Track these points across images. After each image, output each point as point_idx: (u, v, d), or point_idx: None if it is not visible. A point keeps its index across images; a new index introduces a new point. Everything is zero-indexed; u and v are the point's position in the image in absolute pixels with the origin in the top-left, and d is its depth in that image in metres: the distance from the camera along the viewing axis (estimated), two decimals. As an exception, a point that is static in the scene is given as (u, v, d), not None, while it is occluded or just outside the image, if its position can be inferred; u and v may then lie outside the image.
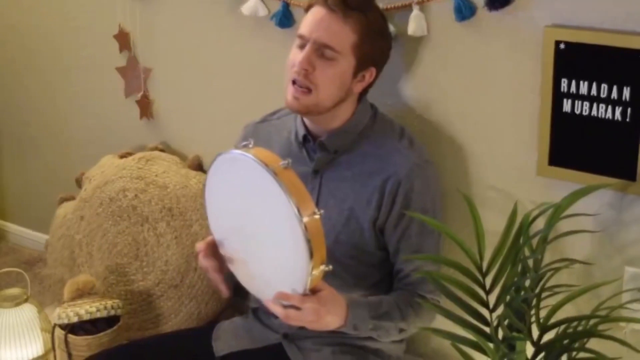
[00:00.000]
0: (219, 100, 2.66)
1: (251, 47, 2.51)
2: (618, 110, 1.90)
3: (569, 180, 2.00)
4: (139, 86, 2.80)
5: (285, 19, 2.34)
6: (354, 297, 1.93)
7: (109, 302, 2.48)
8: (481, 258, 1.81)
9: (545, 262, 1.86)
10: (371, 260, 2.05)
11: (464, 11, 2.05)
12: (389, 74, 2.16)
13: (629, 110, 1.89)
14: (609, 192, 1.97)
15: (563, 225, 1.93)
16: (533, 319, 1.82)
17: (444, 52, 2.14)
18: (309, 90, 1.93)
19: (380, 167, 1.99)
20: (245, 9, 2.41)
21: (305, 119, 2.04)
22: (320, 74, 1.92)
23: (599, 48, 1.88)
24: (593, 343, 1.81)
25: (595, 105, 1.92)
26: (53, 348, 2.49)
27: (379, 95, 2.14)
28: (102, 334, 2.42)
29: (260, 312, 2.16)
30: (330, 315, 1.81)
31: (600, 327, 1.79)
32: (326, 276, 1.73)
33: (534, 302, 1.81)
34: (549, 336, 1.82)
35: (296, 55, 1.94)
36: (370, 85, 2.03)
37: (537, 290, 1.80)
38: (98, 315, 2.44)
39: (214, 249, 1.92)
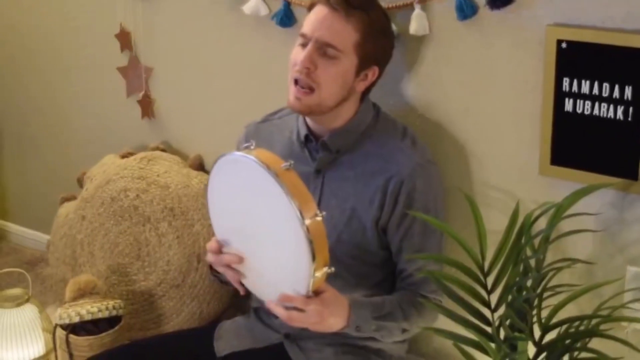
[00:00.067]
0: (220, 99, 2.66)
1: (252, 46, 2.50)
2: (620, 110, 1.90)
3: (570, 180, 2.00)
4: (140, 86, 2.80)
5: (287, 18, 2.33)
6: (357, 297, 1.93)
7: (111, 302, 2.47)
8: (483, 258, 1.81)
9: (547, 261, 1.86)
10: (373, 260, 2.05)
11: (466, 10, 2.05)
12: (391, 73, 2.16)
13: (630, 109, 1.88)
14: (611, 192, 1.97)
15: (565, 225, 1.93)
16: (535, 318, 1.82)
17: (445, 51, 2.14)
18: (311, 90, 1.93)
19: (383, 167, 1.98)
20: (247, 8, 2.41)
21: (307, 119, 2.04)
22: (322, 72, 1.91)
23: (601, 47, 1.88)
24: (595, 343, 1.81)
25: (597, 104, 1.92)
26: (54, 348, 2.49)
27: (380, 94, 2.14)
28: (103, 334, 2.42)
29: (261, 312, 2.16)
30: (333, 316, 1.81)
31: (602, 327, 1.78)
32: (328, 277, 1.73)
33: (536, 301, 1.81)
34: (550, 336, 1.82)
35: (298, 54, 1.94)
36: (372, 84, 2.02)
37: (538, 290, 1.80)
38: (100, 315, 2.43)
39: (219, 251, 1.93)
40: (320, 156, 2.03)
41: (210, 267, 1.97)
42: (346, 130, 2.02)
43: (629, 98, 1.88)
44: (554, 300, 1.83)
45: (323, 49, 1.91)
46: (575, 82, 1.94)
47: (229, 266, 1.89)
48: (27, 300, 2.56)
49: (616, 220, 1.99)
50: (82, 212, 2.75)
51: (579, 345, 1.79)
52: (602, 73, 1.90)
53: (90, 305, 2.44)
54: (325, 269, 1.70)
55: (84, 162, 2.95)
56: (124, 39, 2.78)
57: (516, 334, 1.76)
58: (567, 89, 1.95)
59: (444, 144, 2.20)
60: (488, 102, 2.11)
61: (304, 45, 1.94)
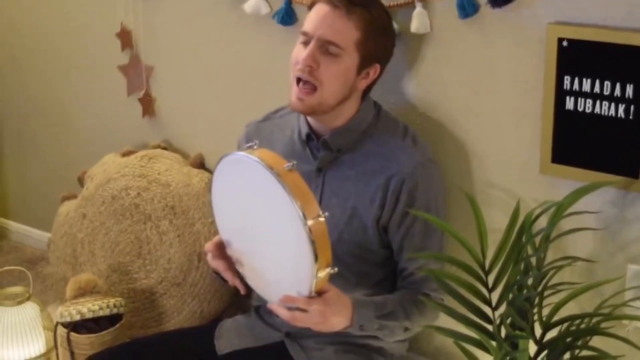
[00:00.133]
0: (221, 98, 2.66)
1: (253, 44, 2.50)
2: (621, 108, 1.90)
3: (571, 178, 2.00)
4: (141, 84, 2.80)
5: (288, 16, 2.33)
6: (359, 297, 1.93)
7: (112, 300, 2.47)
8: (484, 256, 1.81)
9: (548, 260, 1.86)
10: (374, 259, 2.05)
11: (467, 8, 2.05)
12: (392, 72, 2.16)
13: (631, 107, 1.88)
14: (612, 190, 1.97)
15: (566, 223, 1.93)
16: (536, 317, 1.81)
17: (446, 49, 2.14)
18: (313, 89, 1.93)
19: (384, 166, 1.98)
20: (248, 6, 2.41)
21: (308, 117, 2.04)
22: (324, 70, 1.91)
23: (602, 45, 1.88)
24: (596, 341, 1.81)
25: (598, 102, 1.92)
26: (55, 346, 2.49)
27: (381, 92, 2.14)
28: (104, 332, 2.42)
29: (262, 311, 2.16)
30: (336, 316, 1.81)
31: (603, 325, 1.78)
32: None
33: (537, 300, 1.81)
34: (551, 334, 1.82)
35: (300, 53, 1.94)
36: (374, 82, 2.02)
37: (539, 289, 1.80)
38: (100, 313, 2.43)
39: (222, 249, 1.93)
40: (322, 155, 2.03)
41: (212, 266, 1.97)
42: (347, 129, 2.02)
43: (630, 96, 1.88)
44: (554, 299, 1.83)
45: (325, 47, 1.91)
46: (576, 80, 1.94)
47: (228, 268, 1.90)
48: (28, 299, 2.56)
49: (617, 219, 1.99)
50: (82, 210, 2.75)
51: (579, 343, 1.79)
52: (603, 71, 1.90)
53: (91, 303, 2.44)
54: (328, 270, 1.70)
55: (84, 160, 2.95)
56: (125, 37, 2.78)
57: (517, 332, 1.76)
58: (568, 87, 1.95)
59: (444, 142, 2.20)
60: (489, 100, 2.11)
61: (305, 44, 1.94)
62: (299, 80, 1.94)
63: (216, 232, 1.95)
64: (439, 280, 1.84)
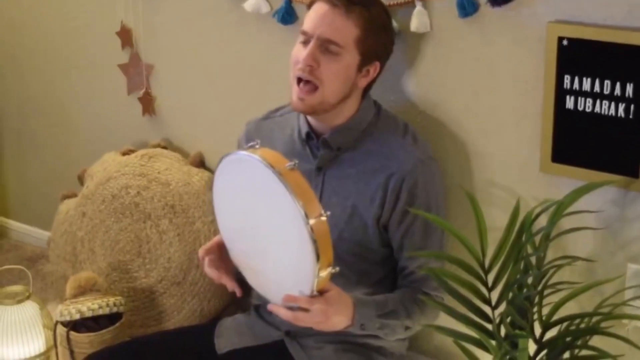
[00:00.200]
0: (221, 97, 2.66)
1: (254, 43, 2.50)
2: (621, 107, 1.90)
3: (571, 177, 2.00)
4: (141, 83, 2.80)
5: (288, 15, 2.33)
6: (360, 296, 1.93)
7: (112, 299, 2.47)
8: (484, 255, 1.81)
9: (548, 259, 1.86)
10: (374, 258, 2.05)
11: (467, 7, 2.04)
12: (392, 70, 2.16)
13: (632, 106, 1.88)
14: (612, 189, 1.97)
15: (566, 223, 1.92)
16: (535, 316, 1.81)
17: (446, 48, 2.14)
18: (314, 88, 1.93)
19: (384, 164, 1.98)
20: (248, 5, 2.41)
21: (308, 116, 2.04)
22: (325, 69, 1.91)
23: (602, 44, 1.88)
24: (595, 340, 1.81)
25: (598, 101, 1.92)
26: (55, 345, 2.49)
27: (382, 91, 2.14)
28: (104, 331, 2.42)
29: (262, 309, 2.16)
30: (338, 315, 1.81)
31: (603, 325, 1.78)
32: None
33: (537, 299, 1.81)
34: (551, 333, 1.82)
35: (299, 52, 1.94)
36: (374, 80, 2.02)
37: (539, 288, 1.80)
38: (100, 312, 2.43)
39: (221, 251, 1.93)
40: (322, 154, 2.03)
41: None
42: (347, 127, 2.02)
43: (630, 95, 1.88)
44: (554, 298, 1.83)
45: (325, 46, 1.91)
46: (576, 79, 1.93)
47: (225, 273, 1.90)
48: (28, 297, 2.56)
49: (617, 218, 1.99)
50: (82, 209, 2.75)
51: (579, 342, 1.79)
52: (603, 70, 1.90)
53: (90, 302, 2.44)
54: (330, 269, 1.70)
55: (84, 159, 2.95)
56: (125, 36, 2.78)
57: (517, 331, 1.76)
58: (568, 87, 1.95)
59: (444, 141, 2.20)
60: (489, 99, 2.11)
61: (304, 43, 1.94)
62: (299, 80, 1.94)
63: (216, 231, 1.95)
64: (439, 279, 1.84)
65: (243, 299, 2.21)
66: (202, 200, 2.58)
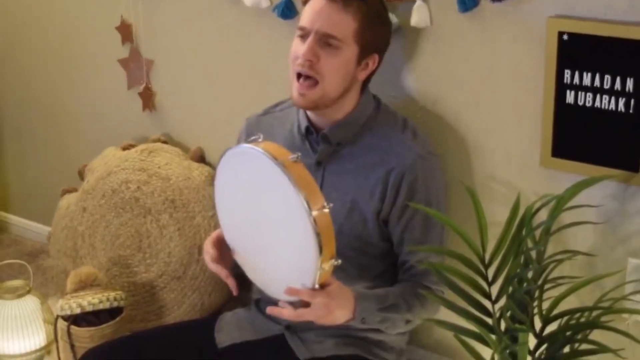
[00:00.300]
0: (221, 91, 2.66)
1: (254, 38, 2.50)
2: (621, 102, 1.90)
3: (572, 172, 2.00)
4: (141, 78, 2.80)
5: (288, 10, 2.33)
6: (361, 290, 1.93)
7: (112, 294, 2.48)
8: (484, 249, 1.81)
9: (548, 253, 1.86)
10: (374, 252, 2.05)
11: (467, 2, 2.04)
12: (392, 65, 2.16)
13: (632, 101, 1.88)
14: (612, 184, 1.97)
15: (566, 217, 1.93)
16: (535, 310, 1.82)
17: (447, 43, 2.14)
18: (314, 83, 1.93)
19: (383, 159, 1.99)
20: (248, 0, 2.41)
21: (307, 111, 2.04)
22: (325, 63, 1.91)
23: (602, 39, 1.88)
24: (596, 334, 1.81)
25: (598, 96, 1.92)
26: (56, 339, 2.49)
27: (382, 86, 2.14)
28: (104, 325, 2.42)
29: (262, 304, 2.16)
30: (339, 309, 1.81)
31: (603, 319, 1.79)
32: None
33: (537, 293, 1.81)
34: (551, 328, 1.82)
35: (298, 47, 1.94)
36: (373, 73, 2.02)
37: (539, 282, 1.80)
38: (101, 306, 2.44)
39: (221, 245, 1.93)
40: (321, 148, 2.03)
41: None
42: (347, 122, 2.02)
43: (631, 90, 1.88)
44: (554, 292, 1.83)
45: (324, 40, 1.91)
46: (576, 74, 1.93)
47: (226, 268, 1.91)
48: (29, 292, 2.56)
49: (617, 212, 1.99)
50: (83, 204, 2.75)
51: (579, 336, 1.79)
52: (603, 65, 1.90)
53: (91, 296, 2.44)
54: (332, 261, 1.70)
55: (84, 154, 2.95)
56: (125, 31, 2.78)
57: (517, 325, 1.76)
58: (569, 81, 1.95)
59: (445, 136, 2.20)
60: (489, 94, 2.11)
61: (302, 38, 1.94)
62: (299, 75, 1.94)
63: (217, 226, 1.95)
64: (439, 274, 1.84)
65: (243, 293, 2.22)
66: (203, 194, 2.58)
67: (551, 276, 1.83)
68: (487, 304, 1.82)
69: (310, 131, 2.04)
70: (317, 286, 1.73)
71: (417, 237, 1.99)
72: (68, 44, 3.00)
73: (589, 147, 1.97)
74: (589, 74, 1.92)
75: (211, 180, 2.56)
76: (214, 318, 2.20)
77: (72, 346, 2.42)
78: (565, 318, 1.82)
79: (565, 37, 1.92)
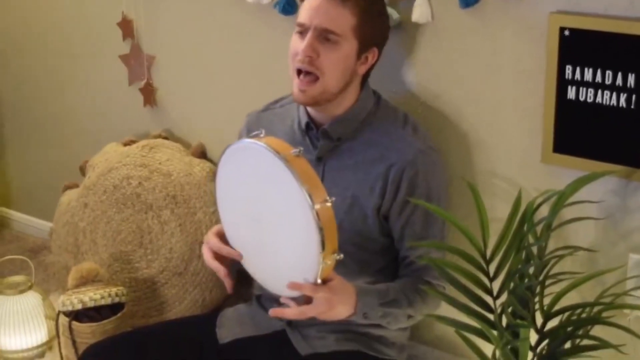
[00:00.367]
0: (223, 87, 2.66)
1: (255, 34, 2.50)
2: (623, 97, 1.90)
3: (573, 168, 2.00)
4: (142, 74, 2.80)
5: (289, 6, 2.33)
6: (362, 285, 1.93)
7: (113, 290, 2.48)
8: (485, 245, 1.81)
9: (549, 249, 1.86)
10: (374, 247, 2.05)
11: (469, -2, 2.05)
12: (393, 61, 2.16)
13: (633, 97, 1.88)
14: (614, 179, 1.97)
15: (567, 213, 1.93)
16: (537, 306, 1.82)
17: (448, 39, 2.13)
18: (315, 79, 1.93)
19: (384, 155, 1.98)
20: (249, -4, 2.41)
21: (308, 107, 2.04)
22: (325, 59, 1.91)
23: (604, 35, 1.88)
24: (597, 330, 1.81)
25: (599, 92, 1.92)
26: (57, 335, 2.50)
27: (383, 82, 2.14)
28: (106, 321, 2.42)
29: (263, 299, 2.16)
30: (341, 304, 1.81)
31: (604, 315, 1.79)
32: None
33: (538, 289, 1.81)
34: (552, 323, 1.82)
35: (297, 44, 1.94)
36: (372, 66, 2.02)
37: (541, 278, 1.80)
38: (102, 302, 2.44)
39: (222, 237, 1.93)
40: (321, 144, 2.03)
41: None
42: (347, 117, 2.02)
43: (632, 85, 1.88)
44: (556, 288, 1.83)
45: (323, 36, 1.91)
46: (578, 69, 1.93)
47: (224, 265, 1.91)
48: (30, 288, 2.57)
49: (618, 208, 1.99)
50: (84, 199, 2.75)
51: (581, 332, 1.79)
52: (605, 61, 1.89)
53: (92, 292, 2.45)
54: (335, 255, 1.70)
55: (86, 150, 2.95)
56: (126, 27, 2.78)
57: (518, 321, 1.76)
58: (570, 77, 1.95)
59: (446, 132, 2.20)
60: (490, 90, 2.11)
61: (301, 34, 1.94)
62: (299, 71, 1.94)
63: (218, 221, 1.95)
64: (440, 269, 1.84)
65: (245, 289, 2.22)
66: (204, 190, 2.58)
67: (552, 272, 1.83)
68: (488, 299, 1.82)
69: (311, 127, 2.04)
70: (319, 281, 1.73)
71: (417, 233, 1.99)
72: (69, 40, 3.00)
73: (590, 142, 1.97)
74: (591, 70, 1.92)
75: (212, 176, 2.56)
76: (215, 314, 2.21)
77: (74, 342, 2.42)
78: (567, 314, 1.82)
79: (566, 32, 1.92)
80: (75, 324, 2.42)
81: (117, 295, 2.47)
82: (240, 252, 1.90)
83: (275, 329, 2.11)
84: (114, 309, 2.47)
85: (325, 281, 1.75)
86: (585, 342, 1.79)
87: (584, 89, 1.94)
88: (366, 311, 1.88)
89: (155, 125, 2.84)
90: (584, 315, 1.80)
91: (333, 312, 1.80)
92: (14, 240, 3.40)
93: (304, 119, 2.04)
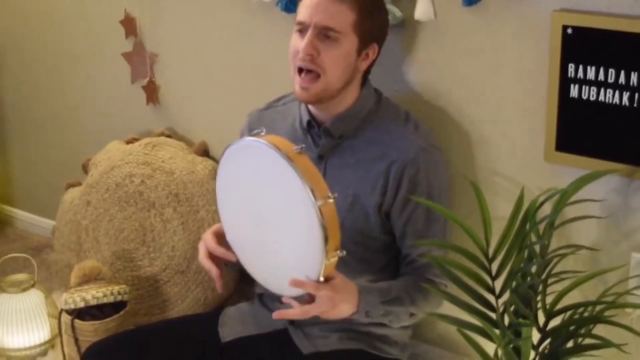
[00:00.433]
0: (226, 85, 2.66)
1: (257, 32, 2.50)
2: (625, 96, 1.89)
3: (575, 166, 1.99)
4: (145, 72, 2.80)
5: (291, 3, 2.33)
6: (364, 283, 1.93)
7: (116, 288, 2.48)
8: (487, 244, 1.81)
9: (552, 248, 1.86)
10: (376, 246, 2.05)
11: (471, -4, 2.04)
12: (396, 59, 2.16)
13: (636, 95, 1.88)
14: (616, 178, 1.97)
15: (570, 211, 1.92)
16: (539, 305, 1.81)
17: (451, 37, 2.13)
18: (316, 76, 1.92)
19: (385, 153, 1.98)
20: (252, -6, 2.41)
21: (309, 105, 2.04)
22: (325, 57, 1.91)
23: (607, 33, 1.87)
24: (599, 329, 1.81)
25: (602, 90, 1.92)
26: (60, 333, 2.50)
27: (385, 80, 2.14)
28: (108, 319, 2.42)
29: (266, 298, 2.16)
30: (344, 303, 1.81)
31: (607, 313, 1.78)
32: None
33: (540, 288, 1.81)
34: (555, 322, 1.82)
35: (298, 42, 1.94)
36: (373, 63, 2.02)
37: (543, 276, 1.80)
38: (105, 300, 2.44)
39: (220, 237, 1.93)
40: (323, 142, 2.03)
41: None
42: (348, 115, 2.01)
43: (635, 84, 1.87)
44: (558, 287, 1.83)
45: (323, 33, 1.91)
46: (580, 68, 1.93)
47: (216, 264, 1.91)
48: (33, 286, 2.57)
49: (621, 207, 1.99)
50: (87, 198, 2.75)
51: (583, 331, 1.79)
52: (607, 59, 1.89)
53: (95, 290, 2.45)
54: (337, 252, 1.70)
55: (88, 148, 2.95)
56: (129, 25, 2.78)
57: (520, 320, 1.76)
58: (573, 75, 1.94)
59: (449, 130, 2.19)
60: (493, 88, 2.11)
61: (301, 33, 1.94)
62: (300, 70, 1.94)
63: (220, 220, 1.95)
64: (442, 268, 1.84)
65: (247, 287, 2.22)
66: (206, 188, 2.58)
67: (555, 270, 1.82)
68: (490, 298, 1.82)
69: (312, 125, 2.04)
70: (321, 279, 1.73)
71: (419, 231, 1.99)
72: (72, 38, 3.00)
73: (592, 141, 1.96)
74: (593, 68, 1.92)
75: (215, 174, 2.56)
76: (217, 312, 2.21)
77: (76, 340, 2.42)
78: (569, 312, 1.81)
79: (569, 30, 1.92)
80: (77, 322, 2.42)
81: (119, 293, 2.47)
82: (235, 253, 1.90)
83: (278, 327, 2.11)
84: (116, 307, 2.47)
85: (327, 279, 1.75)
86: (588, 341, 1.79)
87: (587, 87, 1.93)
88: (368, 309, 1.88)
89: (158, 123, 2.84)
90: (586, 314, 1.80)
91: (336, 310, 1.80)
92: (17, 239, 3.40)
93: (306, 117, 2.04)
